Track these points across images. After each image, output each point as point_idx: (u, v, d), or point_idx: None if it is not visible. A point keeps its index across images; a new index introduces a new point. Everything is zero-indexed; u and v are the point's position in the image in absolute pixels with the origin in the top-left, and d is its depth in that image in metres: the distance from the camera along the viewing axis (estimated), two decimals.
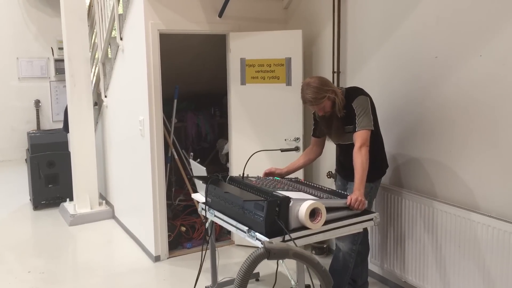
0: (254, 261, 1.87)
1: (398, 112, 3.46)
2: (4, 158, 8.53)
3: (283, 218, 2.53)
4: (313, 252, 4.19)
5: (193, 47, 5.24)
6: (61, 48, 7.61)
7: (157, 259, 4.23)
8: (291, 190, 2.95)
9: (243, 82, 4.27)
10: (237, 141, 4.39)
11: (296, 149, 3.99)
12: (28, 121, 8.72)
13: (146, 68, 4.01)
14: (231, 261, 4.18)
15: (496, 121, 2.81)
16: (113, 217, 5.37)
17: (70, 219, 5.20)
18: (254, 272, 2.09)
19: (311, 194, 2.91)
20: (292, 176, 3.38)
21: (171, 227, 4.41)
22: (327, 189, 3.09)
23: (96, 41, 5.61)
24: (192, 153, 5.37)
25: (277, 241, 2.42)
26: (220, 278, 3.56)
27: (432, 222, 3.17)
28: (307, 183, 3.24)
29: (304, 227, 2.60)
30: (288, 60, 4.11)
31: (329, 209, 2.67)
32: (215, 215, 2.99)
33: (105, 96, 5.37)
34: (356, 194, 2.82)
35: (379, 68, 3.59)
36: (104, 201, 5.58)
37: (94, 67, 5.83)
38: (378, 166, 3.22)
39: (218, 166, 5.53)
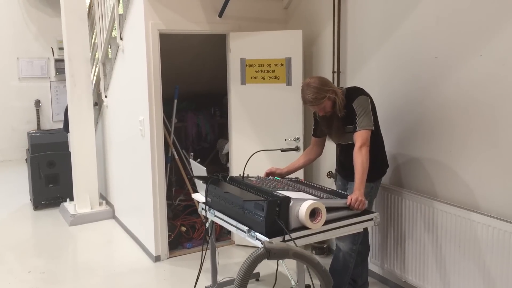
0: (254, 261, 1.87)
1: (398, 112, 3.46)
2: (5, 158, 8.53)
3: (283, 218, 2.53)
4: (313, 252, 4.19)
5: (193, 47, 5.24)
6: (61, 48, 7.60)
7: (157, 259, 4.23)
8: (291, 190, 2.95)
9: (243, 82, 4.27)
10: (237, 141, 4.39)
11: (296, 149, 3.99)
12: (28, 121, 8.72)
13: (146, 68, 4.01)
14: (231, 261, 4.18)
15: (496, 121, 2.81)
16: (113, 217, 5.37)
17: (70, 219, 5.20)
18: (254, 272, 2.09)
19: (311, 194, 2.91)
20: (292, 176, 3.38)
21: (171, 227, 4.41)
22: (327, 189, 3.09)
23: (96, 41, 5.61)
24: (192, 153, 5.37)
25: (277, 241, 2.42)
26: (220, 278, 3.56)
27: (432, 222, 3.17)
28: (307, 183, 3.24)
29: (304, 227, 2.60)
30: (288, 60, 4.11)
31: (329, 209, 2.67)
32: (215, 215, 2.99)
33: (105, 96, 5.37)
34: (356, 194, 2.82)
35: (379, 68, 3.59)
36: (104, 201, 5.58)
37: (94, 67, 5.83)
38: (379, 166, 3.22)
39: (218, 166, 5.53)
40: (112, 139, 5.32)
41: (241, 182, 3.02)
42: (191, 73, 5.47)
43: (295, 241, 2.51)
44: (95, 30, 5.66)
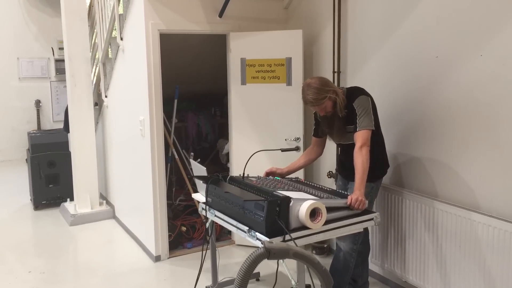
0: (254, 261, 1.87)
1: (399, 111, 3.46)
2: (5, 158, 8.54)
3: (283, 218, 2.53)
4: (314, 252, 4.19)
5: (193, 47, 5.24)
6: (61, 48, 7.61)
7: (157, 259, 4.23)
8: (292, 190, 2.95)
9: (243, 82, 4.27)
10: (237, 141, 4.39)
11: (297, 149, 3.99)
12: (28, 121, 8.72)
13: (147, 68, 4.01)
14: (232, 261, 4.18)
15: (497, 120, 2.81)
16: (114, 217, 5.37)
17: (70, 219, 5.20)
18: (254, 272, 2.09)
19: (311, 194, 2.91)
20: (292, 176, 3.38)
21: (171, 227, 4.41)
22: (328, 189, 3.09)
23: (96, 41, 5.62)
24: (192, 153, 5.37)
25: (277, 241, 2.42)
26: (221, 278, 3.56)
27: (432, 222, 3.17)
28: (308, 183, 3.24)
29: (304, 227, 2.60)
30: (289, 60, 4.11)
31: (329, 209, 2.67)
32: (215, 215, 2.99)
33: (106, 96, 5.37)
34: (357, 194, 2.81)
35: (379, 68, 3.59)
36: (104, 201, 5.58)
37: (94, 67, 5.83)
38: (379, 166, 3.22)
39: (218, 166, 5.53)
40: (112, 139, 5.32)
41: (241, 182, 3.02)
42: (191, 73, 5.47)
43: (295, 241, 2.51)
44: (95, 30, 5.66)
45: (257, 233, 2.56)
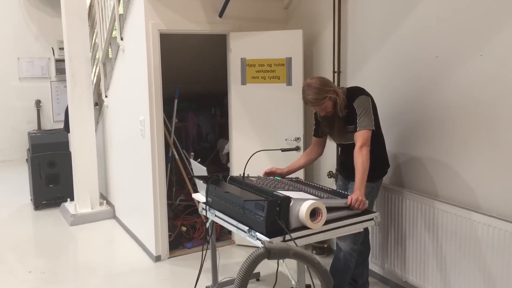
0: (254, 261, 1.87)
1: (399, 111, 3.46)
2: (5, 158, 8.54)
3: (283, 218, 2.53)
4: (314, 252, 4.19)
5: (193, 47, 5.24)
6: (61, 48, 7.62)
7: (157, 259, 4.23)
8: (292, 190, 2.95)
9: (243, 82, 4.27)
10: (237, 141, 4.39)
11: (297, 149, 3.99)
12: (28, 121, 8.72)
13: (147, 68, 4.01)
14: (232, 261, 4.18)
15: (497, 120, 2.81)
16: (114, 217, 5.37)
17: (71, 219, 5.20)
18: (254, 272, 2.09)
19: (311, 194, 2.91)
20: (292, 176, 3.38)
21: (171, 227, 4.41)
22: (328, 189, 3.09)
23: (96, 41, 5.62)
24: (192, 153, 5.37)
25: (277, 241, 2.42)
26: (221, 278, 3.56)
27: (433, 222, 3.17)
28: (308, 183, 3.24)
29: (304, 227, 2.60)
30: (289, 60, 4.11)
31: (329, 209, 2.67)
32: (215, 215, 2.99)
33: (106, 96, 5.37)
34: (357, 194, 2.81)
35: (379, 68, 3.59)
36: (104, 201, 5.58)
37: (94, 67, 5.83)
38: (379, 165, 3.22)
39: (218, 166, 5.53)
40: (112, 139, 5.32)
41: (242, 182, 3.02)
42: (191, 73, 5.47)
43: (296, 241, 2.51)
44: (95, 30, 5.66)
45: (257, 233, 2.56)
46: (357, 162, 2.94)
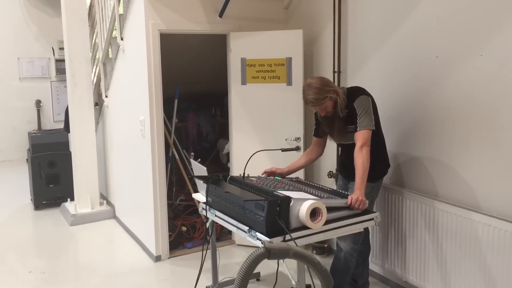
0: (255, 261, 1.87)
1: (399, 111, 3.45)
2: (5, 158, 8.54)
3: (283, 217, 2.53)
4: (314, 252, 4.19)
5: (193, 47, 5.24)
6: (62, 48, 7.61)
7: (158, 259, 4.23)
8: (292, 190, 2.95)
9: (243, 82, 4.27)
10: (237, 141, 4.39)
11: (297, 148, 3.99)
12: (29, 121, 8.73)
13: (147, 68, 4.01)
14: (232, 261, 4.18)
15: (497, 120, 2.81)
16: (114, 217, 5.37)
17: (71, 219, 5.20)
18: (254, 272, 2.09)
19: (311, 194, 2.91)
20: (293, 176, 3.38)
21: (172, 227, 4.41)
22: (328, 189, 3.09)
23: (96, 41, 5.62)
24: (193, 153, 5.37)
25: (277, 240, 2.42)
26: (221, 278, 3.56)
27: (433, 222, 3.17)
28: (308, 183, 3.24)
29: (304, 227, 2.60)
30: (289, 60, 4.11)
31: (329, 209, 2.67)
32: (215, 215, 2.99)
33: (106, 96, 5.37)
34: (357, 193, 2.81)
35: (379, 68, 3.59)
36: (105, 201, 5.58)
37: (95, 67, 5.83)
38: (380, 165, 3.22)
39: (219, 166, 5.53)
40: (112, 139, 5.32)
41: (242, 182, 3.02)
42: (191, 73, 5.47)
43: (296, 241, 2.51)
44: (95, 30, 5.66)
45: (257, 233, 2.56)
46: (357, 162, 2.94)
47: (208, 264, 3.52)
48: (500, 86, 2.78)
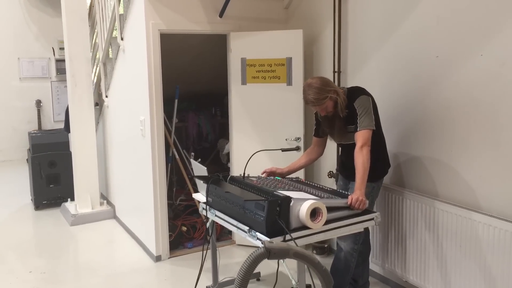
0: (255, 261, 1.87)
1: (399, 111, 3.46)
2: (5, 158, 8.54)
3: (284, 217, 2.53)
4: (314, 252, 4.19)
5: (193, 47, 5.24)
6: (62, 48, 7.60)
7: (158, 259, 4.23)
8: (292, 190, 2.95)
9: (243, 82, 4.27)
10: (238, 141, 4.39)
11: (297, 148, 3.99)
12: (29, 121, 8.73)
13: (147, 68, 4.01)
14: (232, 261, 4.18)
15: (497, 120, 2.81)
16: (114, 217, 5.37)
17: (71, 219, 5.20)
18: (255, 272, 2.10)
19: (312, 194, 2.91)
20: (293, 176, 3.38)
21: (172, 227, 4.41)
22: (328, 189, 3.09)
23: (97, 41, 5.62)
24: (193, 153, 5.37)
25: (277, 240, 2.42)
26: (221, 278, 3.56)
27: (433, 222, 3.17)
28: (308, 182, 3.24)
29: (305, 227, 2.60)
30: (289, 60, 4.11)
31: (330, 209, 2.67)
32: (216, 215, 2.99)
33: (106, 96, 5.38)
34: (357, 193, 2.81)
35: (379, 68, 3.59)
36: (105, 201, 5.58)
37: (95, 67, 5.84)
38: (380, 165, 3.22)
39: (219, 166, 5.53)
40: (113, 139, 5.32)
41: (242, 182, 3.02)
42: (191, 73, 5.48)
43: (296, 240, 2.51)
44: (95, 30, 5.66)
45: (257, 233, 2.56)
46: (357, 162, 2.94)
47: (208, 264, 3.52)
48: (500, 86, 2.78)
